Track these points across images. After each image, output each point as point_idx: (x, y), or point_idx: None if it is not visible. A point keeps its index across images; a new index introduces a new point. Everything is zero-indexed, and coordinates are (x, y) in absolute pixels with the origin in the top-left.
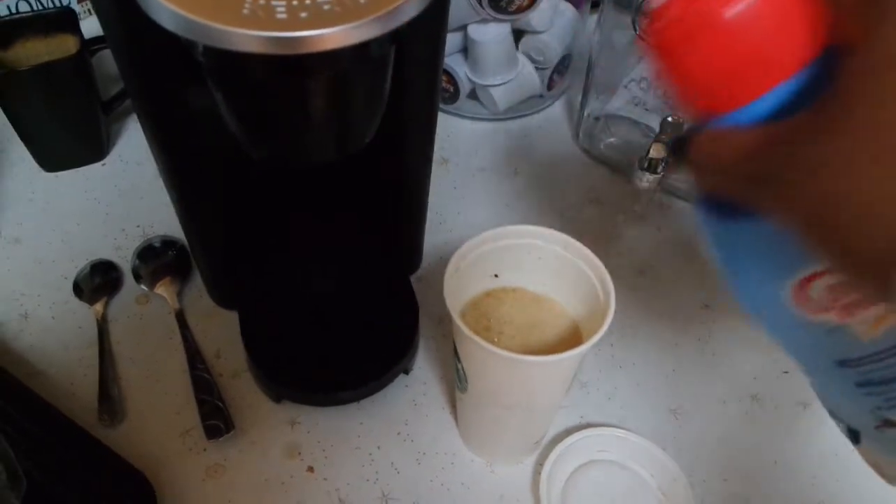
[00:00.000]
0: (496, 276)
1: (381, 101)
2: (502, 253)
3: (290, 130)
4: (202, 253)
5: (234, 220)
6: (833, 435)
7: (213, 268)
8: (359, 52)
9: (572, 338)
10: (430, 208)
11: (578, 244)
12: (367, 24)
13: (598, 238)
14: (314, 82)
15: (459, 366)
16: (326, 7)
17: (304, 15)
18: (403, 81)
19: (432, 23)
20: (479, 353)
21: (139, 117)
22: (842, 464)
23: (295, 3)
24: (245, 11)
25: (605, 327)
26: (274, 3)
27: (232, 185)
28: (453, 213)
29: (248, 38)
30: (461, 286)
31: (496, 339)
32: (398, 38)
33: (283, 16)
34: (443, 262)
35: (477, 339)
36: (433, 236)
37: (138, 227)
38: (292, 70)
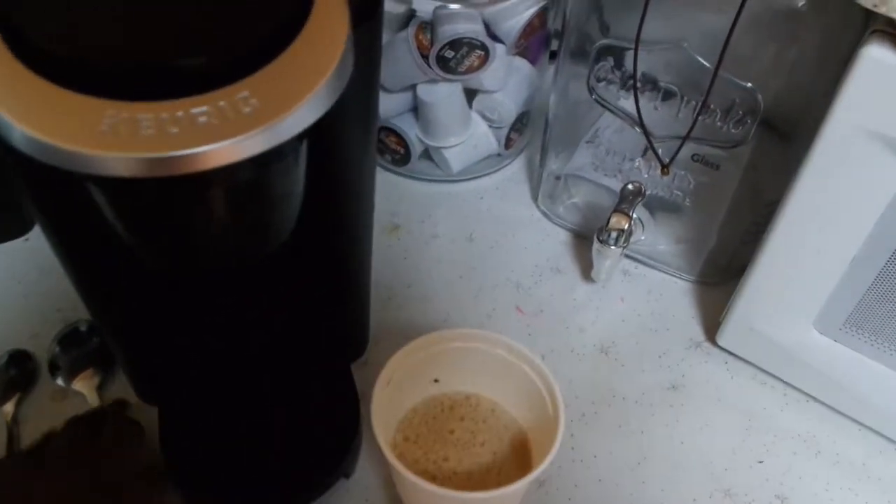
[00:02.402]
0: (436, 380)
1: (292, 203)
2: (442, 357)
3: (182, 247)
4: (117, 348)
5: (149, 312)
6: None
7: (130, 362)
8: (247, 166)
9: (521, 449)
10: (377, 282)
11: (523, 349)
12: (250, 139)
13: (557, 312)
14: (193, 202)
15: (398, 491)
16: (202, 119)
17: (174, 130)
18: (330, 154)
19: (355, 109)
20: (416, 489)
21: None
22: None
23: (164, 115)
24: (103, 128)
25: (552, 453)
26: (140, 115)
27: (142, 280)
28: (403, 287)
29: (102, 160)
30: (396, 398)
31: (436, 458)
32: (303, 139)
33: (150, 132)
34: (392, 343)
35: (414, 477)
36: (381, 313)
37: (59, 311)
38: (161, 192)
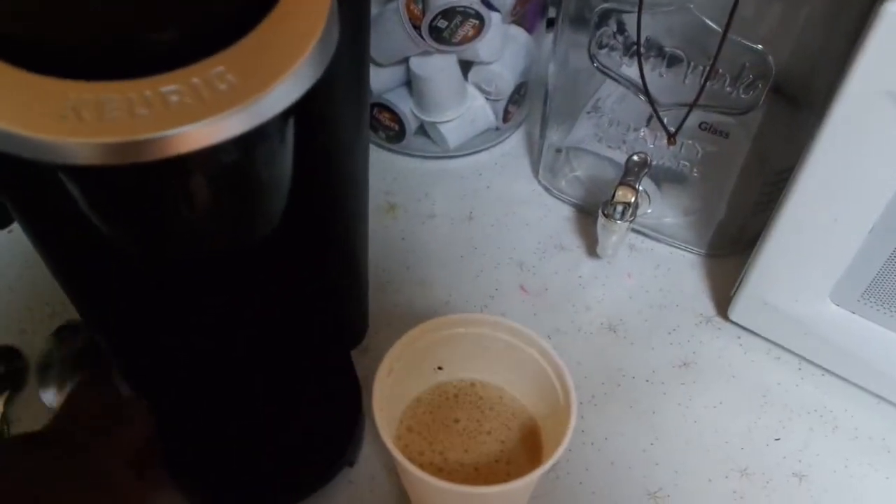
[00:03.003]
0: (440, 368)
1: (279, 187)
2: (444, 344)
3: (164, 237)
4: (104, 343)
5: (137, 306)
6: None
7: (119, 358)
8: (227, 149)
9: (530, 436)
10: (375, 265)
11: (530, 333)
12: (227, 119)
13: (563, 291)
14: (169, 190)
15: (402, 482)
16: (174, 99)
17: (143, 112)
18: (320, 133)
19: (344, 83)
20: (421, 483)
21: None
22: None
23: (132, 96)
24: (65, 112)
25: (565, 443)
26: (105, 97)
27: (129, 273)
28: (402, 269)
29: (64, 147)
30: (398, 387)
31: (442, 448)
32: (287, 117)
33: (116, 114)
34: (392, 328)
35: (418, 472)
36: (380, 298)
37: (47, 304)
38: (133, 179)
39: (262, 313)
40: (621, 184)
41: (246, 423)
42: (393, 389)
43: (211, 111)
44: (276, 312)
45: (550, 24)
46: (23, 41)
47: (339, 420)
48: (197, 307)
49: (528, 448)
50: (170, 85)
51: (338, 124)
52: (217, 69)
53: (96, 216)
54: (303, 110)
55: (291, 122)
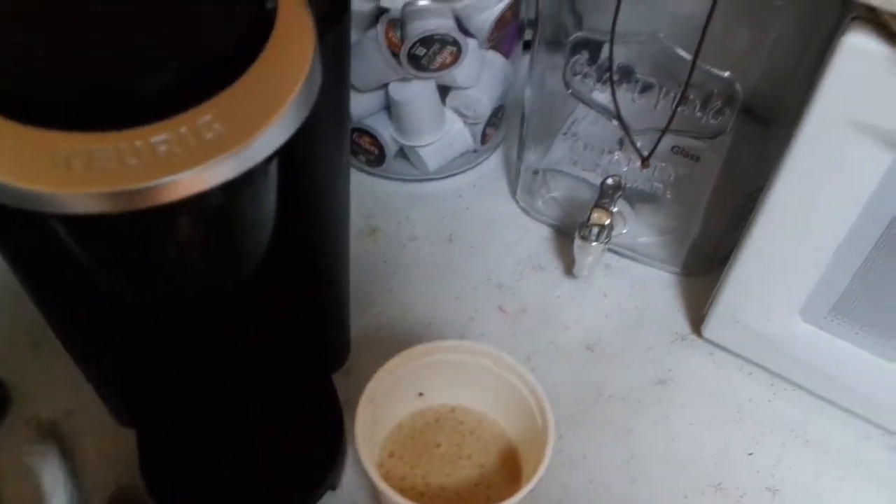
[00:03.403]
0: (421, 394)
1: (264, 225)
2: (425, 370)
3: (152, 279)
4: (87, 373)
5: (123, 343)
6: None
7: (103, 386)
8: (214, 195)
9: (510, 461)
10: (357, 288)
11: (509, 359)
12: (214, 168)
13: (541, 311)
14: (158, 235)
15: None
16: (163, 148)
17: (133, 161)
18: (302, 165)
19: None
20: None
21: None
22: None
23: (122, 146)
24: (57, 163)
25: (543, 465)
26: (95, 147)
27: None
28: (383, 292)
29: (56, 198)
30: (379, 414)
31: (424, 473)
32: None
33: (107, 164)
34: (374, 351)
35: (399, 498)
36: (361, 321)
37: (29, 335)
38: (123, 227)
39: (245, 342)
40: (596, 206)
41: (229, 447)
42: (374, 417)
43: (198, 160)
44: (259, 341)
45: (527, 46)
46: (14, 94)
47: (322, 444)
48: (183, 341)
49: (507, 472)
50: (159, 135)
51: (320, 158)
52: (204, 118)
53: (87, 260)
54: (287, 150)
55: (275, 161)
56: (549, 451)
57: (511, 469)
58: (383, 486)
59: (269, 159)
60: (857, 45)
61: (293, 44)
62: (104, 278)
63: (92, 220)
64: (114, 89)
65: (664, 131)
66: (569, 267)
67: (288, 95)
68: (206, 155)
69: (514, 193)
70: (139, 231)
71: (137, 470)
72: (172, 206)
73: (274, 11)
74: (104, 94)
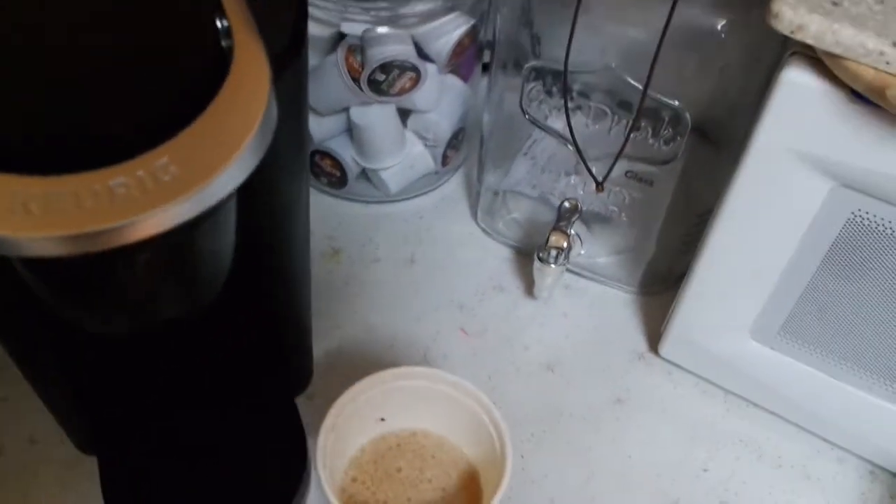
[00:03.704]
0: (382, 419)
1: (223, 256)
2: (386, 396)
3: (111, 313)
4: (48, 398)
5: (80, 373)
6: None
7: (62, 414)
8: (172, 234)
9: (470, 485)
10: (319, 310)
11: (468, 385)
12: (171, 209)
13: (501, 331)
14: (117, 273)
15: None
16: (121, 192)
17: (90, 204)
18: (261, 194)
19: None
20: None
21: None
22: None
23: (79, 189)
24: (15, 207)
25: (502, 489)
26: (52, 191)
27: (72, 342)
28: (346, 314)
29: (12, 242)
30: (341, 439)
31: (386, 499)
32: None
33: (64, 208)
34: (337, 373)
35: None
36: (324, 343)
37: None
38: (80, 267)
39: (206, 369)
40: (554, 229)
41: (192, 473)
42: (336, 443)
43: (155, 203)
44: (221, 367)
45: (486, 68)
46: None
47: (286, 469)
48: (144, 368)
49: (468, 494)
50: (116, 178)
51: (278, 189)
52: (161, 160)
53: (46, 296)
54: (244, 186)
55: (234, 197)
56: (507, 476)
57: (472, 492)
58: None
59: (227, 199)
60: (795, 80)
61: (249, 82)
62: (63, 311)
63: (51, 261)
64: (70, 134)
65: (617, 157)
66: (529, 287)
67: (245, 135)
68: (164, 198)
69: (475, 215)
70: (98, 270)
71: (101, 499)
72: (131, 247)
73: (230, 50)
74: (60, 139)
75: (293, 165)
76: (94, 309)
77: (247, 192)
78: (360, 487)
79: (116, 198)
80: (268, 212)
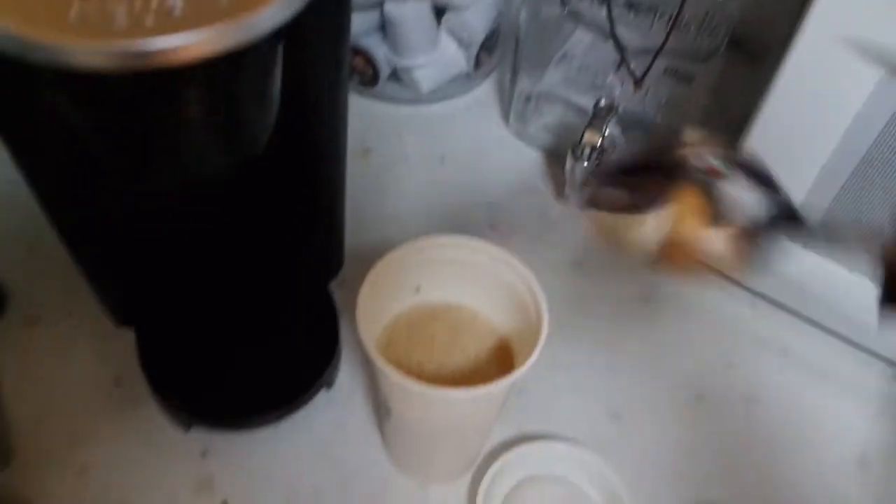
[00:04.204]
0: (417, 289)
1: (268, 107)
2: (424, 266)
3: (154, 156)
4: (85, 269)
5: (118, 234)
6: (783, 431)
7: (101, 284)
8: (224, 61)
9: (502, 355)
10: (350, 205)
11: (507, 254)
12: (225, 32)
13: (530, 229)
14: (168, 99)
15: (380, 393)
16: (177, 12)
17: (148, 20)
18: (303, 72)
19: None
20: (399, 387)
21: None
22: (790, 460)
23: (137, 5)
24: (73, 16)
25: (537, 351)
26: (111, 4)
27: (110, 202)
28: (376, 209)
29: (70, 51)
30: (378, 305)
31: (419, 361)
32: (280, 36)
33: (122, 21)
34: (366, 263)
35: (397, 375)
36: (355, 236)
37: (24, 239)
38: (135, 87)
39: (246, 239)
40: (589, 126)
41: (228, 345)
42: (373, 306)
43: (210, 22)
44: (260, 239)
45: None
46: None
47: (318, 344)
48: (182, 237)
49: (499, 365)
50: None
51: (320, 57)
52: None
53: (88, 131)
54: (291, 35)
55: (279, 49)
56: (542, 338)
57: (503, 362)
58: (381, 363)
59: (276, 36)
60: None
61: None
62: (110, 160)
63: (100, 79)
64: None
65: (658, 51)
66: (559, 189)
67: None
68: (217, 19)
69: (506, 119)
70: (146, 95)
71: (138, 371)
72: (181, 70)
73: None
74: None
75: (335, 33)
76: (141, 154)
77: (293, 51)
78: (394, 352)
79: (173, 17)
80: (310, 77)
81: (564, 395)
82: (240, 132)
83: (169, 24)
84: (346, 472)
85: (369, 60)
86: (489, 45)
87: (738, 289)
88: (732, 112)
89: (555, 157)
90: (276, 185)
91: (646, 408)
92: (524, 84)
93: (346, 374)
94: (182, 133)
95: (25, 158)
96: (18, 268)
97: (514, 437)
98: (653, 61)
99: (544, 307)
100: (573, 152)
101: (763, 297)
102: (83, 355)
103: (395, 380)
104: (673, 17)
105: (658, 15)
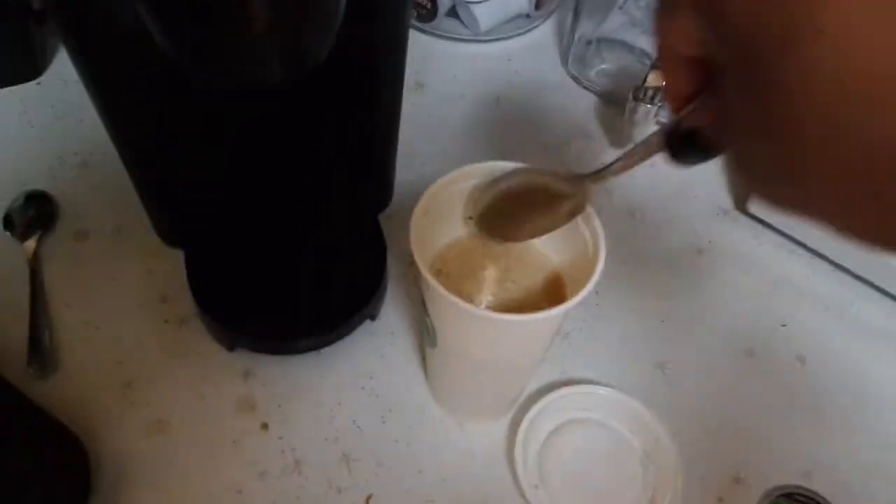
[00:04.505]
0: (470, 218)
1: (335, 10)
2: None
3: (226, 44)
4: (141, 186)
5: (177, 150)
6: (836, 394)
7: (155, 202)
8: None
9: (554, 289)
10: (401, 139)
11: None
12: None
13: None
14: None
15: (428, 319)
16: None
17: None
18: None
19: None
20: (450, 310)
21: (60, 34)
22: (838, 424)
23: None
24: None
25: (592, 282)
26: None
27: (172, 114)
28: (427, 145)
29: None
30: (430, 231)
31: (469, 292)
32: None
33: None
34: (415, 198)
35: (448, 295)
36: (405, 170)
37: (76, 154)
38: None
39: (301, 165)
40: (653, 67)
41: (277, 271)
42: (426, 231)
43: None
44: (315, 165)
45: None
46: None
47: (365, 275)
48: (240, 154)
49: (551, 298)
50: None
51: None
52: None
53: (157, 26)
54: None
55: None
56: (598, 271)
57: (554, 295)
58: (434, 283)
59: None
60: None
61: None
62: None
63: None
64: None
65: None
66: (615, 137)
67: None
68: None
69: (565, 62)
70: None
71: (185, 284)
72: None
73: None
74: None
75: None
76: (202, 53)
77: None
78: (445, 280)
79: None
80: (374, 9)
81: (610, 342)
82: (302, 34)
83: None
84: (385, 405)
85: None
86: None
87: (798, 247)
88: None
89: (613, 104)
90: (333, 107)
91: (693, 360)
92: (585, 27)
93: (391, 308)
94: (245, 28)
95: (92, 67)
96: (70, 185)
97: (556, 381)
98: None
99: (601, 237)
100: (635, 95)
101: (823, 257)
102: (130, 272)
103: (448, 301)
104: None
105: None
